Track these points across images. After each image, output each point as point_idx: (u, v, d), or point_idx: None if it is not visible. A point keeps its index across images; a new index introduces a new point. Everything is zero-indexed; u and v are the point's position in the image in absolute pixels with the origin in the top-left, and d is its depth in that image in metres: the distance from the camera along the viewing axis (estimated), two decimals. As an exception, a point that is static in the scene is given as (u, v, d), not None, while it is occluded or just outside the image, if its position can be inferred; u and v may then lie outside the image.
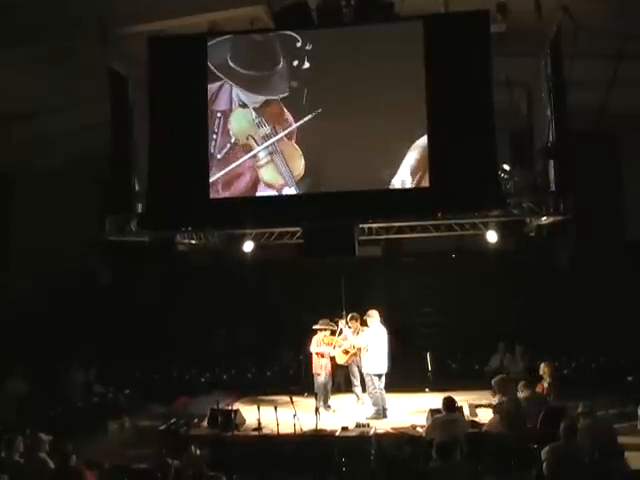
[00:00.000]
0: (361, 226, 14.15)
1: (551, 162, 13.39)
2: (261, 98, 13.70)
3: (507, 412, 11.32)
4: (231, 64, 13.80)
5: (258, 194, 13.71)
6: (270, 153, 13.66)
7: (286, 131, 13.60)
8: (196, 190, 13.81)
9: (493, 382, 12.07)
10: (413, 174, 13.16)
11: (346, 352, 14.68)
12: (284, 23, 13.79)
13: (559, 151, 13.12)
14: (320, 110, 13.39)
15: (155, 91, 13.92)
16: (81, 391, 16.14)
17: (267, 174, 13.68)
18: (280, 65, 13.62)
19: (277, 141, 13.64)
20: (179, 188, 13.76)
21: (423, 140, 13.10)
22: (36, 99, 15.56)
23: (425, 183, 13.14)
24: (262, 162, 13.70)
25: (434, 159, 13.03)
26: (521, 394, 12.01)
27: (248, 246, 15.69)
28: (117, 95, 14.64)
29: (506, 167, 14.23)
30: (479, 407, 13.27)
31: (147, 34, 13.85)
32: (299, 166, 13.54)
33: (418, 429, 12.11)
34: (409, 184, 13.18)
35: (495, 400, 12.01)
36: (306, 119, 13.48)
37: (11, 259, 18.56)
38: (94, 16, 13.32)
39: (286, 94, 13.60)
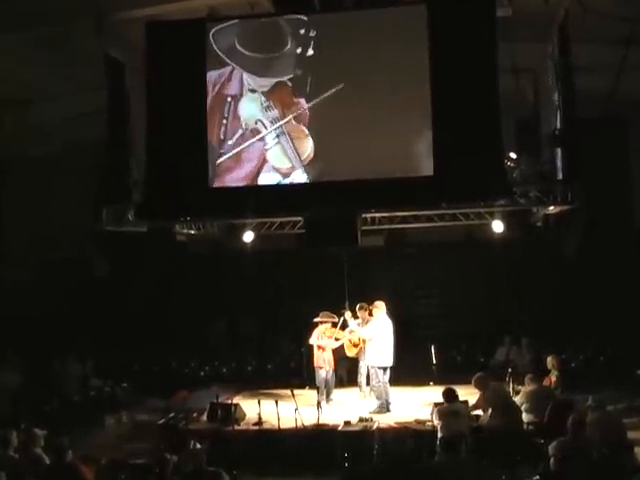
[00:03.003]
0: (364, 216, 14.12)
1: (558, 150, 13.40)
2: (270, 81, 13.73)
3: (492, 404, 11.44)
4: (239, 48, 13.79)
5: (261, 180, 13.71)
6: (277, 135, 13.64)
7: (295, 113, 13.56)
8: (195, 179, 13.81)
9: (472, 380, 12.10)
10: (422, 165, 13.13)
11: (355, 345, 14.62)
12: (285, 7, 13.74)
13: (566, 138, 13.11)
14: (332, 92, 13.36)
15: (153, 77, 13.92)
16: (77, 384, 16.04)
17: (274, 157, 13.71)
18: (288, 46, 13.60)
19: (285, 123, 13.61)
20: (178, 177, 13.76)
21: (428, 128, 13.05)
22: (32, 86, 15.55)
23: (429, 172, 13.10)
24: (269, 145, 13.68)
25: (438, 147, 13.01)
26: (528, 387, 12.03)
27: (248, 236, 15.67)
28: (114, 82, 14.64)
29: (512, 155, 14.13)
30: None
31: (145, 19, 13.86)
32: (307, 149, 13.51)
33: (428, 424, 12.03)
34: (415, 173, 13.15)
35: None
36: (315, 102, 13.46)
37: (6, 249, 18.52)
38: (91, 2, 13.27)
39: (293, 76, 13.62)
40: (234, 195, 13.76)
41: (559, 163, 13.30)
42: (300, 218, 14.41)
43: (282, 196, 13.66)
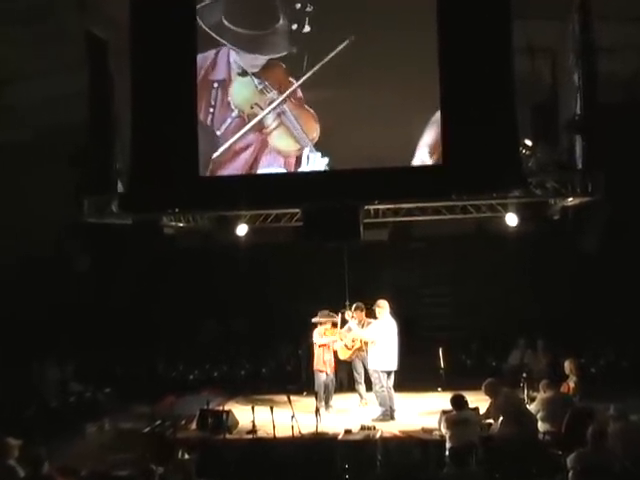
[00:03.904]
0: (366, 207, 14.10)
1: (578, 137, 13.34)
2: (261, 60, 13.65)
3: (504, 412, 11.39)
4: (226, 24, 13.75)
5: (262, 169, 13.72)
6: (279, 115, 13.60)
7: (291, 89, 13.57)
8: (184, 167, 13.81)
9: (483, 387, 12.08)
10: (431, 153, 13.09)
11: (349, 347, 14.60)
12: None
13: (587, 125, 13.09)
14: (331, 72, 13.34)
15: (138, 57, 13.90)
16: (56, 389, 16.02)
17: (278, 140, 13.65)
18: (281, 22, 13.55)
19: (286, 102, 13.59)
20: (165, 165, 13.76)
21: (438, 115, 13.03)
22: (6, 65, 15.44)
23: (439, 161, 13.08)
24: (271, 128, 13.66)
25: (448, 135, 13.07)
26: (544, 394, 11.99)
27: (242, 229, 15.64)
28: (96, 61, 14.63)
29: (528, 143, 14.11)
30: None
31: (129, -6, 13.77)
32: (315, 128, 13.47)
33: (435, 433, 12.01)
34: (422, 162, 13.15)
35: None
36: (312, 82, 13.45)
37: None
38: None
39: (287, 54, 13.61)
40: (227, 185, 13.76)
41: (578, 151, 13.29)
42: (298, 210, 14.38)
43: (278, 186, 13.64)
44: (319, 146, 13.52)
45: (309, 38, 13.50)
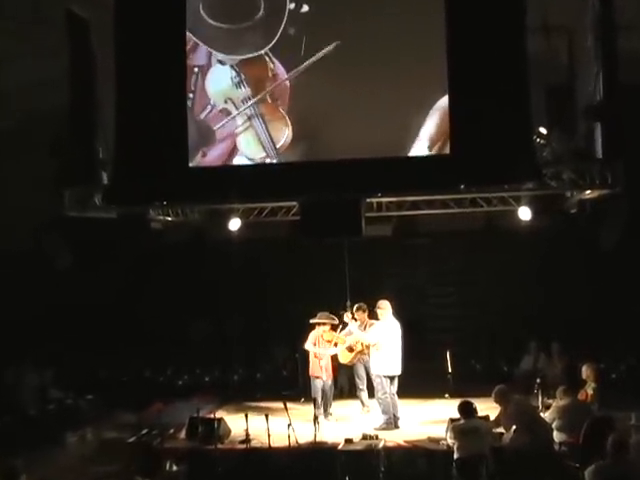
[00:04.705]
0: (369, 201, 14.10)
1: (597, 124, 13.29)
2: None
3: (516, 420, 11.35)
4: (204, 15, 13.68)
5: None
6: (249, 117, 13.61)
7: (271, 89, 13.54)
8: (173, 157, 13.80)
9: (492, 394, 12.06)
10: (432, 143, 13.05)
11: (350, 349, 14.62)
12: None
13: (607, 111, 13.07)
14: (329, 49, 13.31)
15: (122, 39, 13.90)
16: (34, 396, 16.02)
17: (245, 144, 13.80)
18: (261, 12, 13.49)
19: (258, 103, 13.58)
20: (152, 154, 13.73)
21: (444, 101, 12.99)
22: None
23: (445, 150, 13.04)
24: (240, 129, 13.67)
25: (456, 122, 13.07)
26: (559, 402, 11.97)
27: (235, 224, 15.65)
28: (77, 43, 14.60)
29: (542, 130, 14.07)
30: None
31: (112, -32, 13.74)
32: (283, 135, 13.49)
33: (442, 442, 11.99)
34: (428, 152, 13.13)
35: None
36: (305, 64, 13.42)
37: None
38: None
39: (275, 43, 13.54)
40: (218, 176, 13.74)
41: (597, 139, 13.25)
42: (295, 203, 14.38)
43: (274, 177, 13.62)
44: (284, 156, 13.55)
45: (308, 19, 13.47)
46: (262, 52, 13.56)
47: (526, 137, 12.95)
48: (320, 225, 13.48)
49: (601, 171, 13.13)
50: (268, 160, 13.67)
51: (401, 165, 13.17)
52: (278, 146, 13.62)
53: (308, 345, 14.64)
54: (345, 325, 14.63)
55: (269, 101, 13.64)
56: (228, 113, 13.74)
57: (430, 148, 13.22)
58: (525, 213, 14.39)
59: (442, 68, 13.00)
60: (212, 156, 13.84)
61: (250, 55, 13.63)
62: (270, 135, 13.59)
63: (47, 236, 18.15)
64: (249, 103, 13.63)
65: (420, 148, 13.25)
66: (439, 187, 13.67)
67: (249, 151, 13.74)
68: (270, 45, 13.54)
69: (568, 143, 13.91)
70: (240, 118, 13.72)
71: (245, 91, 13.69)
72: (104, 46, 14.38)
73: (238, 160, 13.77)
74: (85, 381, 16.96)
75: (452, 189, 13.80)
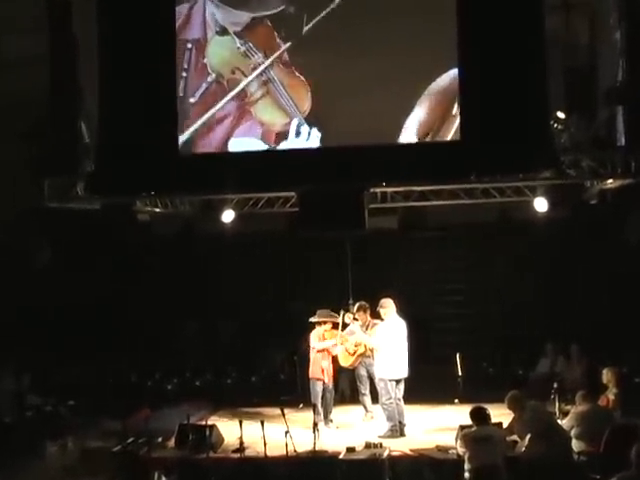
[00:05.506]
0: (372, 191, 14.09)
1: (619, 108, 13.26)
2: (245, 17, 13.56)
3: (531, 428, 11.31)
4: None
5: (236, 138, 13.73)
6: (265, 83, 13.57)
7: (280, 51, 13.60)
8: (161, 144, 13.85)
9: (506, 400, 12.03)
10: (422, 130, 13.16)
11: (352, 352, 14.56)
12: None
13: (630, 94, 13.04)
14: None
15: (105, 16, 13.84)
16: (11, 403, 16.02)
17: (263, 111, 13.67)
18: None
19: (273, 67, 13.61)
20: (139, 140, 13.71)
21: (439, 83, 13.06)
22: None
23: (455, 136, 13.03)
24: (255, 97, 13.61)
25: (466, 106, 13.03)
26: (579, 407, 11.94)
27: (228, 216, 15.67)
28: (58, 21, 14.57)
29: (560, 115, 14.05)
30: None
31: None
32: (307, 98, 13.43)
33: (451, 451, 11.98)
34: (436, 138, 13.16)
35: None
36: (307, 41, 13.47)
37: None
38: None
39: (277, 11, 13.59)
40: (211, 164, 13.73)
41: (620, 125, 13.22)
42: (292, 193, 14.38)
43: (270, 166, 13.62)
44: (311, 119, 13.50)
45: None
46: (268, 15, 13.57)
47: (543, 122, 12.95)
48: (320, 217, 13.49)
49: (623, 159, 13.16)
50: (294, 124, 13.60)
51: (407, 152, 13.15)
52: (302, 109, 13.62)
53: (313, 341, 14.58)
54: (346, 325, 14.61)
55: (282, 66, 13.64)
56: (237, 83, 13.70)
57: (418, 136, 13.21)
58: (541, 204, 14.40)
59: (452, 50, 12.98)
60: (205, 142, 13.77)
61: (257, 14, 13.65)
62: (292, 98, 13.58)
63: (24, 229, 18.15)
64: (261, 68, 13.60)
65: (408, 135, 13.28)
66: (448, 176, 13.65)
67: (269, 118, 13.70)
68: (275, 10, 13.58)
69: (588, 129, 13.93)
70: (253, 86, 13.70)
71: (256, 58, 13.69)
72: (86, 24, 14.38)
73: (233, 144, 13.71)
74: (66, 386, 16.90)
75: (462, 178, 13.78)
